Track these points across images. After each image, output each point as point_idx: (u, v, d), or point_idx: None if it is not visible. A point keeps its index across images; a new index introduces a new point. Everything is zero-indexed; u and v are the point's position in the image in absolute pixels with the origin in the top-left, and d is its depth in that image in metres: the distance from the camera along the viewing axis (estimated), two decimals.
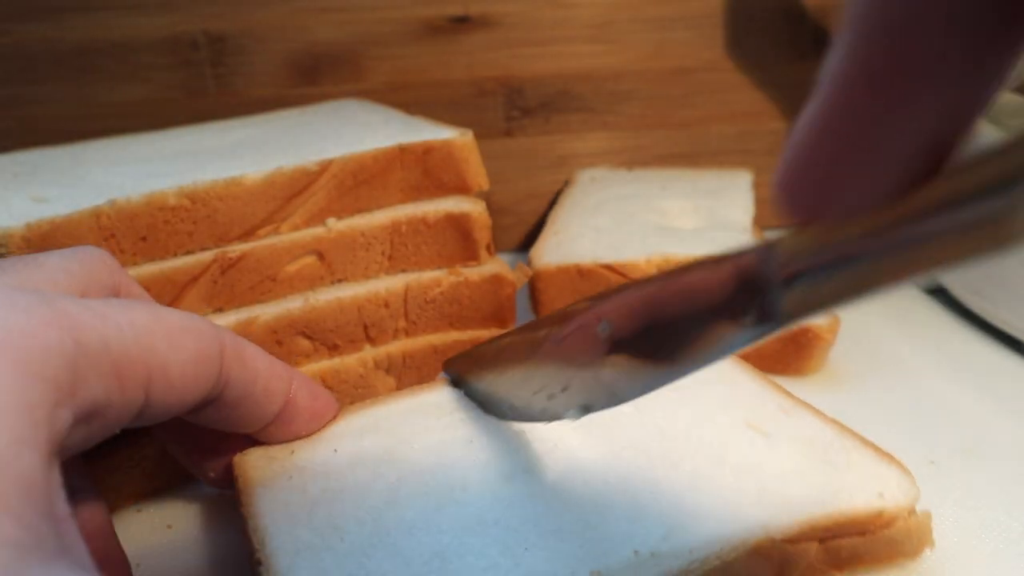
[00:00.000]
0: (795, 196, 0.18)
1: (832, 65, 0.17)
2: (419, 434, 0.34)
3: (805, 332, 0.44)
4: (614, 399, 0.26)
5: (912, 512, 0.30)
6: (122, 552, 0.30)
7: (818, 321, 0.45)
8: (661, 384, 0.25)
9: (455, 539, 0.28)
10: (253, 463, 0.32)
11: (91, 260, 0.28)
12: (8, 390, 0.20)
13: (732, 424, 0.34)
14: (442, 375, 0.37)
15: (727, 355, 0.22)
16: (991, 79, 0.16)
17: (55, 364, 0.21)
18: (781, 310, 0.20)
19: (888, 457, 0.32)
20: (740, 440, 0.33)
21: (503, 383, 0.33)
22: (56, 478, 0.21)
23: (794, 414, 0.35)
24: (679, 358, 0.23)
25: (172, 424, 0.32)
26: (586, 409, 0.27)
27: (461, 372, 0.37)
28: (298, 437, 0.33)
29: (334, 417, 0.34)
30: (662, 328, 0.24)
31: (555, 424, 0.34)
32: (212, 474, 0.33)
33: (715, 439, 0.33)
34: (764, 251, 0.20)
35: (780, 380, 0.38)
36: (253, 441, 0.33)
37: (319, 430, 0.34)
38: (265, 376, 0.30)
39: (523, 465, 0.32)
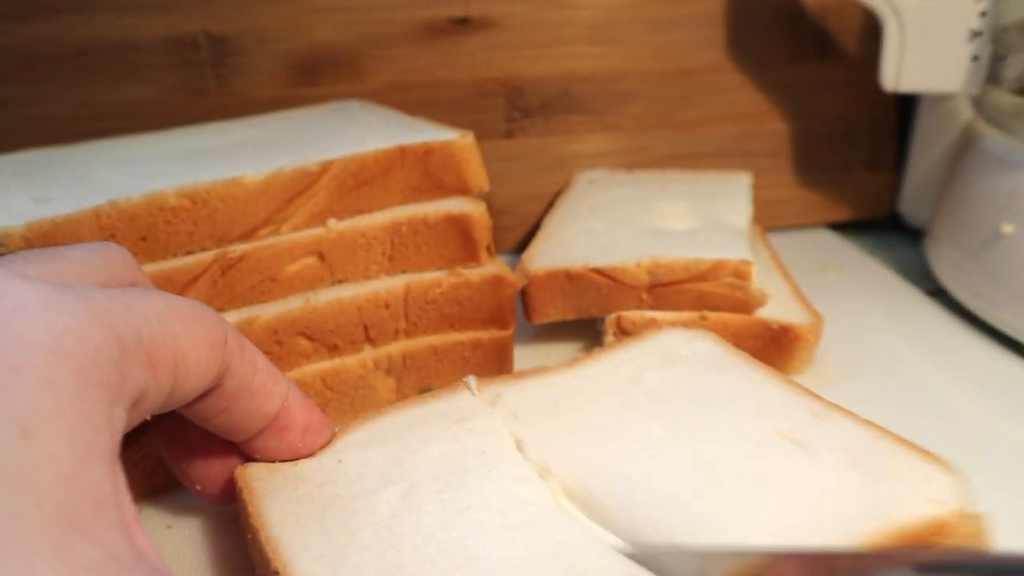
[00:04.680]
0: None
1: None
2: (427, 444, 0.33)
3: (787, 332, 0.44)
4: None
5: (968, 515, 0.29)
6: None
7: (799, 320, 0.45)
8: None
9: (481, 542, 0.28)
10: (256, 474, 0.31)
11: (111, 255, 0.28)
12: (70, 401, 0.20)
13: (766, 436, 0.33)
14: None
15: None
16: None
17: (106, 366, 0.21)
18: None
19: (932, 457, 0.31)
20: (778, 454, 0.32)
21: None
22: (121, 481, 0.21)
23: (827, 419, 0.34)
24: None
25: (168, 431, 0.32)
26: None
27: None
28: (293, 454, 0.32)
29: (329, 441, 0.33)
30: None
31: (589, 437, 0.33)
32: (199, 487, 0.33)
33: (751, 454, 0.32)
34: None
35: None
36: (248, 458, 0.32)
37: (316, 450, 0.32)
38: (263, 372, 0.30)
39: (544, 474, 0.32)
